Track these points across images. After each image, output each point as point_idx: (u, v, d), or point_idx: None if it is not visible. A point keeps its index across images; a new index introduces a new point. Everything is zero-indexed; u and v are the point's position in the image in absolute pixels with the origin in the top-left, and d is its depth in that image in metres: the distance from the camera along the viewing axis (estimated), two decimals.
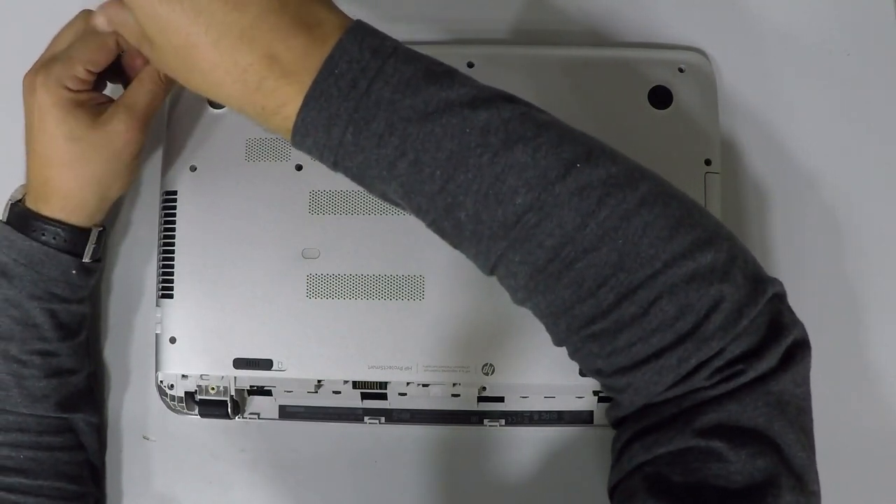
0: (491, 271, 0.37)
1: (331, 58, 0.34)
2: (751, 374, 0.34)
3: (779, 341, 0.35)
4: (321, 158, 0.36)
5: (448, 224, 0.36)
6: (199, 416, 0.50)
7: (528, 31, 0.56)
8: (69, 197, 0.45)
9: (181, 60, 0.36)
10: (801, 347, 0.36)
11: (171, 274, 0.49)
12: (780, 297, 0.37)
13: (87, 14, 0.45)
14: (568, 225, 0.34)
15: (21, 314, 0.46)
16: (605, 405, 0.49)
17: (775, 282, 0.36)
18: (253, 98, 0.35)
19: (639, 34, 0.56)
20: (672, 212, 0.35)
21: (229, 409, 0.50)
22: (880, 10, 0.56)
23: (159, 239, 0.50)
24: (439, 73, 0.35)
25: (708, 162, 0.50)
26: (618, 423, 0.40)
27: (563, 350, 0.39)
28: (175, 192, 0.50)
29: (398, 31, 0.38)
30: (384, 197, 0.38)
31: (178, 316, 0.49)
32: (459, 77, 0.36)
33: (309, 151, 0.36)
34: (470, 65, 0.50)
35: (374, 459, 0.52)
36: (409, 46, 0.36)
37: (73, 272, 0.47)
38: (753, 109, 0.55)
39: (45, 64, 0.44)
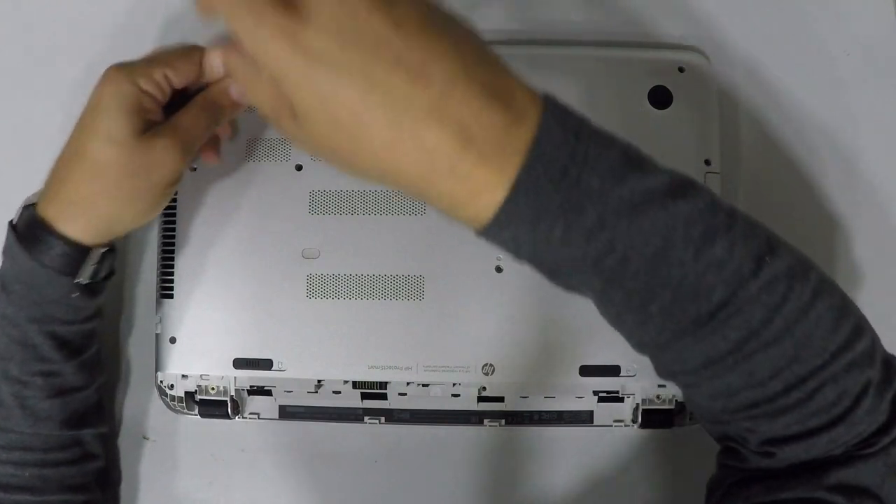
0: (654, 352, 0.37)
1: (536, 142, 0.31)
2: (877, 447, 0.36)
3: None
4: (516, 251, 0.33)
5: (631, 317, 0.35)
6: (199, 416, 0.50)
7: (527, 30, 0.55)
8: (79, 204, 0.41)
9: (345, 138, 0.31)
10: None
11: (171, 274, 0.49)
12: None
13: (195, 49, 0.41)
14: (755, 320, 0.33)
15: (19, 334, 0.43)
16: (605, 405, 0.50)
17: (894, 358, 0.38)
18: (441, 183, 0.31)
19: (639, 34, 0.56)
20: (835, 301, 0.35)
21: (229, 409, 0.50)
22: (880, 10, 0.56)
23: (159, 239, 0.50)
24: (633, 157, 0.33)
25: (708, 162, 0.50)
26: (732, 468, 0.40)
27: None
28: (175, 192, 0.50)
29: None
30: (568, 286, 0.35)
31: (178, 316, 0.49)
32: (647, 159, 0.34)
33: (502, 243, 0.33)
34: None
35: (374, 459, 0.52)
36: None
37: (75, 295, 0.43)
38: (753, 109, 0.55)
39: (130, 61, 0.41)
